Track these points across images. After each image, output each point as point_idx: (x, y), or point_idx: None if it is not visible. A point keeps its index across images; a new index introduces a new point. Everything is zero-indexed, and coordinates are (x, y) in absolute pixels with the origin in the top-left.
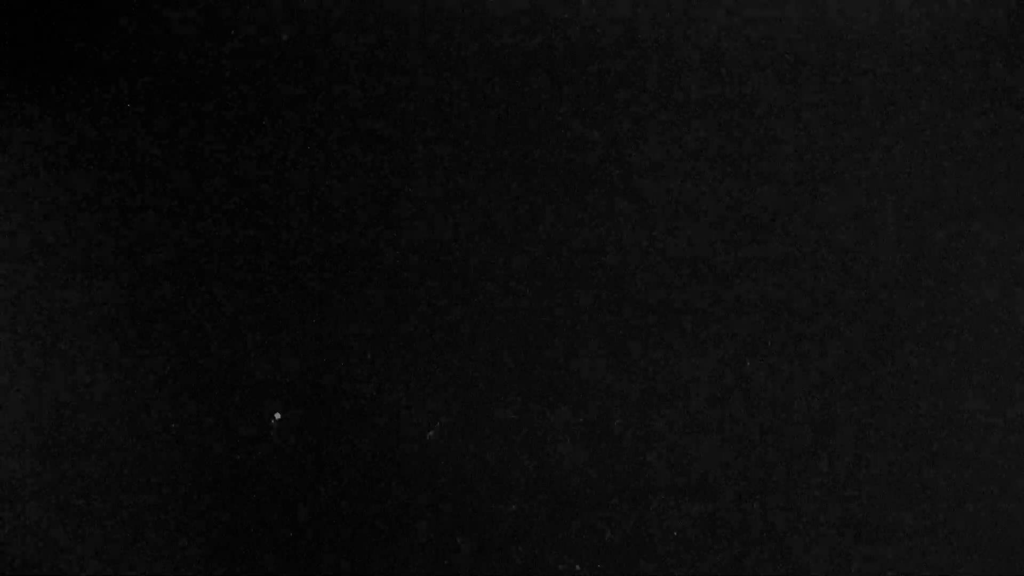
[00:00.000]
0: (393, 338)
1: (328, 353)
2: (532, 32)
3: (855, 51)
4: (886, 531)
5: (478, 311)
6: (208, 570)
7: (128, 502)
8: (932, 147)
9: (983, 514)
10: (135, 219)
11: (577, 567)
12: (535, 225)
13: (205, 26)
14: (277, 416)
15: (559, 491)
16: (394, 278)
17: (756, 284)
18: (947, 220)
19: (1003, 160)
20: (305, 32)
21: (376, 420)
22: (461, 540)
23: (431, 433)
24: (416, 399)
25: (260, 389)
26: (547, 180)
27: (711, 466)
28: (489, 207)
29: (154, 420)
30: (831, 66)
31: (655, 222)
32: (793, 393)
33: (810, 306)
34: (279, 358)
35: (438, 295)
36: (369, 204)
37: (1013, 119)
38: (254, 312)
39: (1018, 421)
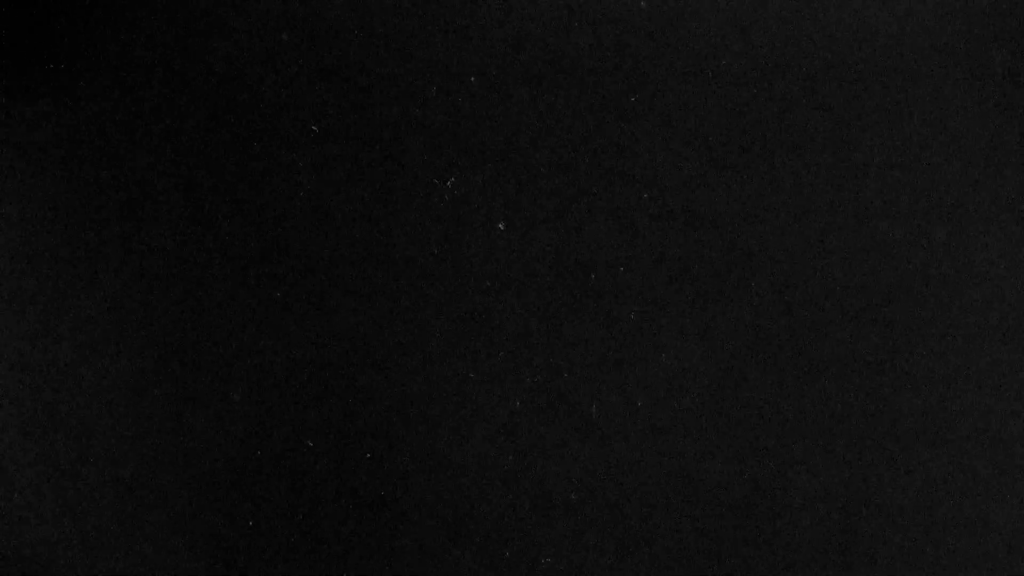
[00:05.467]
0: (391, 339)
1: (326, 354)
2: (532, 33)
3: (856, 51)
4: (886, 531)
5: (476, 311)
6: (208, 570)
7: (128, 502)
8: (932, 147)
9: (983, 514)
10: (136, 219)
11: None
12: (533, 226)
13: (205, 26)
14: None
15: (558, 492)
16: (392, 277)
17: (755, 284)
18: (947, 220)
19: (1003, 160)
20: (304, 32)
21: (374, 421)
22: (459, 541)
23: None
24: (414, 400)
25: (260, 389)
26: (546, 180)
27: (711, 467)
28: (488, 207)
29: (154, 420)
30: (830, 66)
31: (656, 222)
32: (792, 393)
33: (809, 306)
34: (280, 359)
35: (436, 295)
36: (369, 203)
37: (1013, 119)
38: (254, 312)
39: (1018, 421)
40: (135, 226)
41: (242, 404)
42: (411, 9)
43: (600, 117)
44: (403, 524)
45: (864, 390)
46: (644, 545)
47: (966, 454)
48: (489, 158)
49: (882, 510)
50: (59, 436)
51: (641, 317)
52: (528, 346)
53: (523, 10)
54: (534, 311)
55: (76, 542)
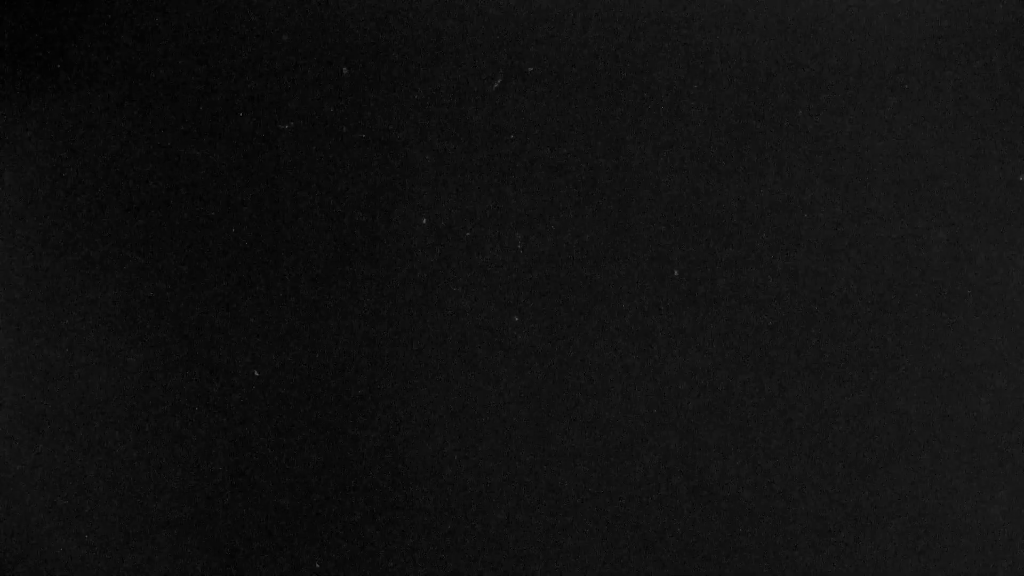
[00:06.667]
0: (392, 339)
1: (329, 353)
2: (531, 32)
3: (855, 51)
4: (885, 531)
5: (477, 311)
6: (208, 570)
7: (128, 502)
8: (932, 147)
9: (981, 515)
10: (136, 218)
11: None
12: (532, 226)
13: (205, 26)
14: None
15: (559, 492)
16: (394, 279)
17: (755, 285)
18: (947, 220)
19: (1003, 160)
20: (305, 33)
21: (376, 422)
22: (459, 541)
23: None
24: (415, 400)
25: (261, 390)
26: (545, 180)
27: (712, 467)
28: (487, 207)
29: (154, 420)
30: (829, 66)
31: (655, 222)
32: (791, 394)
33: (810, 306)
34: (280, 359)
35: (437, 296)
36: (370, 204)
37: (1013, 119)
38: (256, 312)
39: (1016, 422)
40: (134, 226)
41: (245, 406)
42: (412, 10)
43: (600, 117)
44: (405, 526)
45: (864, 390)
46: (645, 545)
47: (967, 454)
48: (488, 158)
49: (882, 510)
50: (59, 436)
51: (641, 317)
52: (528, 347)
53: (523, 10)
54: (534, 311)
55: (77, 543)
